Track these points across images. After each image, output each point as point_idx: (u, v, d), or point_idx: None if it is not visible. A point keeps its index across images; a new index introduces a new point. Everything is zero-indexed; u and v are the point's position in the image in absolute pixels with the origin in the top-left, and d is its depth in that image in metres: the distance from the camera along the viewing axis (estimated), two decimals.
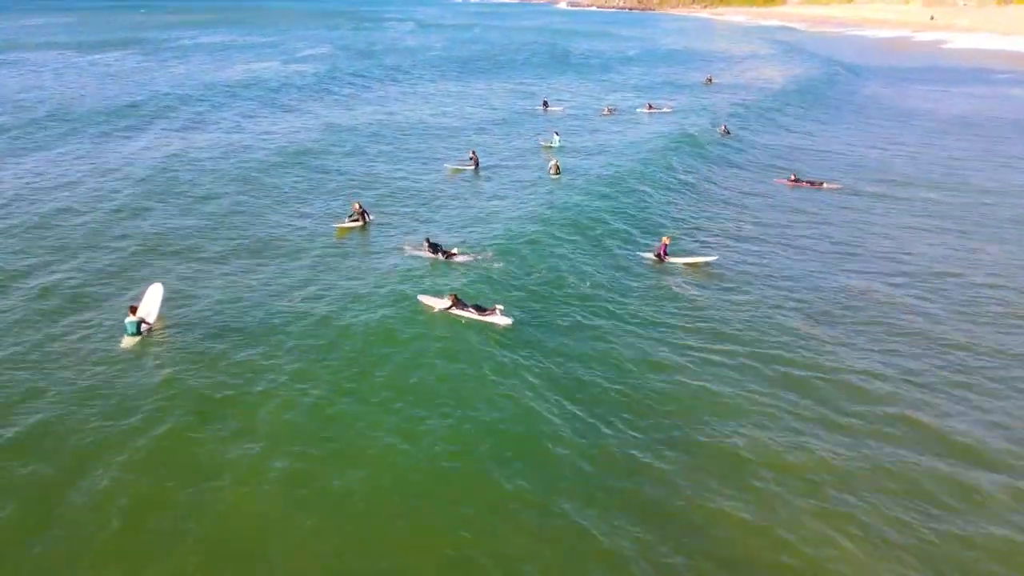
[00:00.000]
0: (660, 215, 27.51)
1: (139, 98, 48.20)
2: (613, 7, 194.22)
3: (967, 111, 52.98)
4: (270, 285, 19.82)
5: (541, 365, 15.95)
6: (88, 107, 44.75)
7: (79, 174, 30.40)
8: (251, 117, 44.02)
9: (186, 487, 11.89)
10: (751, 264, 22.94)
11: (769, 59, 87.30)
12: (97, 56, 70.48)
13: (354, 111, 47.25)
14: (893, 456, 13.35)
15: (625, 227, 25.75)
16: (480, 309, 17.80)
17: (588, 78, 68.37)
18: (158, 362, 15.58)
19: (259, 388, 14.62)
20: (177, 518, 11.30)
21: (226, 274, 20.58)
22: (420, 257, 22.04)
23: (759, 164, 36.31)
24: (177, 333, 16.88)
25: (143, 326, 16.28)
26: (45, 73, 59.01)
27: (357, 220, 25.12)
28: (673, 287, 20.92)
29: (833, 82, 66.36)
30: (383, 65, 71.04)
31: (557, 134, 39.45)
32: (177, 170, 31.23)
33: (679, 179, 32.38)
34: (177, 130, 39.92)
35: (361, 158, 35.31)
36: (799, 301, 20.04)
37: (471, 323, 17.43)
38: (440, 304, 18.08)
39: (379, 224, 25.50)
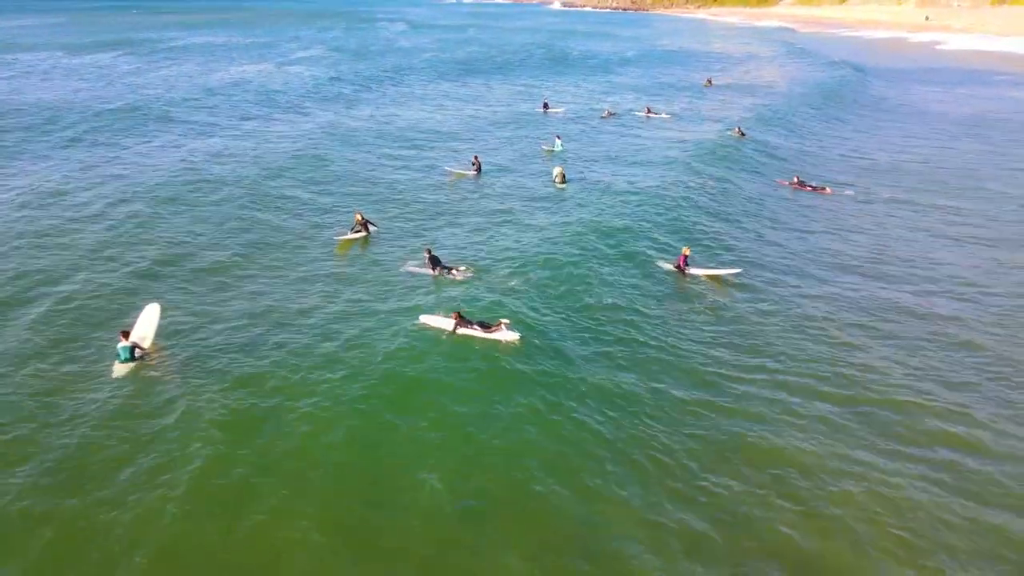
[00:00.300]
0: (674, 224, 26.51)
1: (130, 103, 46.90)
2: (607, 7, 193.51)
3: (971, 113, 52.45)
4: (270, 304, 18.80)
5: (555, 391, 15.02)
6: (78, 113, 43.43)
7: (68, 185, 29.08)
8: (244, 123, 42.79)
9: (215, 524, 11.19)
10: (773, 275, 22.13)
11: (768, 60, 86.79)
12: (87, 58, 69.03)
13: (350, 115, 46.23)
14: (950, 486, 12.68)
15: (639, 238, 24.75)
16: (484, 326, 16.93)
17: (586, 79, 67.68)
18: (153, 391, 14.54)
19: (264, 418, 13.66)
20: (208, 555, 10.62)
21: (225, 293, 19.54)
22: (420, 274, 21.01)
23: (770, 168, 35.40)
24: (174, 357, 15.85)
25: (137, 351, 15.23)
26: (33, 76, 57.65)
27: (359, 231, 24.14)
28: (695, 302, 20.04)
29: (835, 83, 65.71)
30: (378, 67, 69.99)
31: (559, 138, 38.63)
32: (170, 182, 29.87)
33: (689, 186, 31.45)
34: (168, 137, 38.61)
35: (361, 164, 34.28)
36: (829, 315, 19.29)
37: (475, 341, 16.60)
38: (443, 323, 17.19)
39: (381, 235, 24.54)
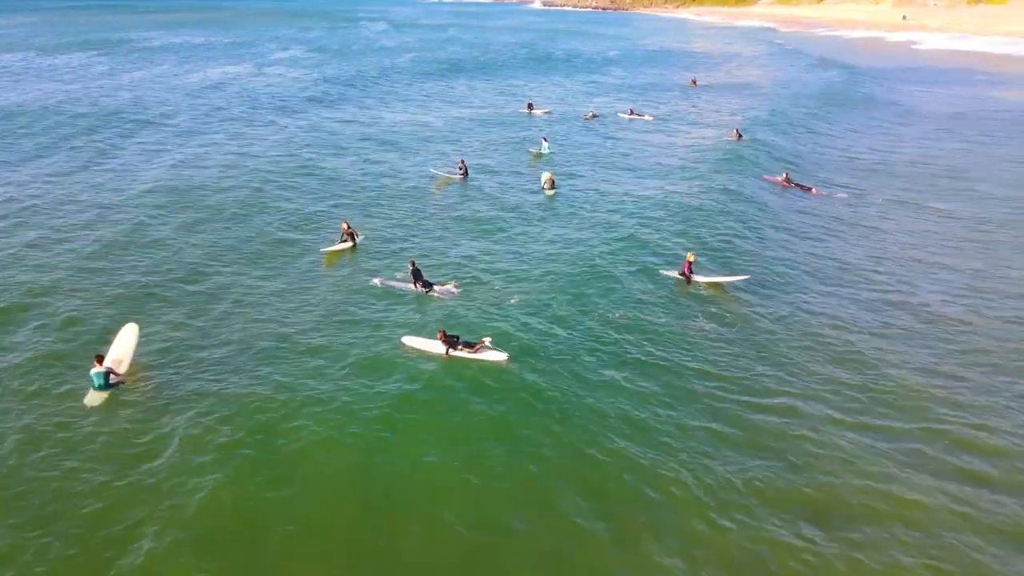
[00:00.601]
0: (672, 230, 25.74)
1: (104, 107, 45.59)
2: (587, 7, 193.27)
3: (953, 112, 52.56)
4: (255, 324, 17.90)
5: (557, 415, 14.28)
6: (52, 118, 42.13)
7: (40, 197, 27.90)
8: (222, 129, 41.46)
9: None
10: (779, 280, 21.55)
11: (751, 59, 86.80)
12: (60, 59, 67.37)
13: (332, 119, 45.23)
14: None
15: (637, 246, 24.00)
16: (469, 345, 16.13)
17: (570, 79, 67.16)
18: (129, 423, 13.57)
19: (252, 455, 12.81)
20: None
21: (207, 311, 18.54)
22: (400, 288, 20.03)
23: (767, 169, 34.76)
24: (152, 383, 14.91)
25: (112, 377, 14.28)
26: (2, 79, 56.00)
27: (346, 241, 23.35)
28: (703, 313, 19.28)
29: (821, 83, 65.69)
30: (360, 68, 68.82)
31: (546, 140, 38.02)
32: (146, 193, 28.55)
33: (683, 190, 30.87)
34: (144, 145, 37.20)
35: (344, 169, 33.36)
36: (843, 322, 18.83)
37: (463, 363, 15.82)
38: (428, 346, 16.31)
39: (368, 244, 23.72)
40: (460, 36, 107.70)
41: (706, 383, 15.69)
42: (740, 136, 40.48)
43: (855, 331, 18.44)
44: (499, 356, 15.84)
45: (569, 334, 17.54)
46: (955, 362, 17.06)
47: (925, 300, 20.54)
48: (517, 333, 17.30)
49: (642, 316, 18.83)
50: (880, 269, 22.95)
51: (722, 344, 17.54)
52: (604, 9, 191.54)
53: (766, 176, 33.13)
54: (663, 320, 18.73)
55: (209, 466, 12.33)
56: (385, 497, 12.04)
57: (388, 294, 19.89)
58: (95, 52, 73.60)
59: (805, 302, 20.12)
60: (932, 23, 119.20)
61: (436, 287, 19.85)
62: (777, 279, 21.76)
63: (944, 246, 25.44)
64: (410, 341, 16.63)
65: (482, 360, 15.81)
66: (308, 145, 37.60)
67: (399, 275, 20.77)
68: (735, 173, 33.83)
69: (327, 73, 64.14)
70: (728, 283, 20.90)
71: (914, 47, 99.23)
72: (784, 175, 32.51)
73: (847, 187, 32.36)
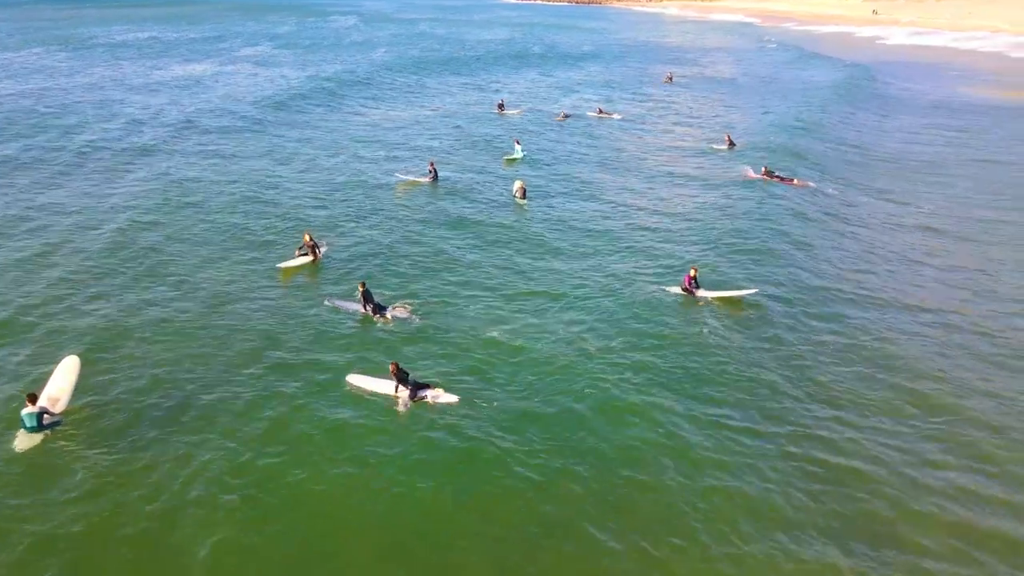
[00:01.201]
0: (655, 241, 24.73)
1: (51, 109, 43.57)
2: (562, 1, 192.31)
3: (926, 106, 52.68)
4: (203, 352, 16.74)
5: (536, 467, 13.07)
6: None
7: None
8: (178, 131, 39.58)
9: None
10: (788, 290, 20.70)
11: (725, 53, 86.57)
12: (10, 56, 65.03)
13: (294, 119, 43.74)
14: None
15: (624, 261, 22.83)
16: (420, 386, 14.89)
17: (543, 76, 66.16)
18: (63, 470, 12.48)
19: (189, 511, 11.86)
20: None
21: (154, 340, 17.24)
22: (350, 311, 18.79)
23: (742, 162, 34.25)
24: (91, 424, 13.76)
25: (47, 418, 13.18)
26: None
27: (307, 254, 22.28)
28: (707, 332, 18.08)
29: (795, 76, 65.69)
30: (327, 65, 67.19)
31: (518, 143, 37.10)
32: (91, 206, 26.78)
33: (664, 196, 30.01)
34: (93, 152, 34.95)
35: (307, 173, 32.18)
36: (870, 336, 18.17)
37: (416, 406, 14.73)
38: (377, 385, 15.13)
39: (329, 257, 22.63)
40: (432, 31, 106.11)
41: (709, 421, 14.61)
42: (732, 144, 38.46)
43: (880, 338, 17.95)
44: (449, 398, 14.65)
45: (560, 369, 16.20)
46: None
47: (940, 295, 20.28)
48: (477, 365, 16.27)
49: (643, 342, 17.53)
50: (876, 268, 22.67)
51: (727, 366, 16.55)
52: (578, 3, 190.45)
53: (748, 172, 32.64)
54: (672, 344, 17.46)
55: (140, 522, 11.47)
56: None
57: (341, 318, 18.64)
58: (49, 48, 71.20)
59: (817, 313, 19.47)
60: (903, 18, 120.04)
61: (388, 311, 18.63)
62: (783, 285, 20.95)
63: (936, 238, 25.33)
64: (356, 380, 15.40)
65: (434, 402, 14.67)
66: (267, 149, 36.27)
67: (342, 298, 19.46)
68: (715, 174, 33.26)
69: (293, 72, 62.42)
70: (737, 297, 19.80)
71: (879, 42, 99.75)
72: (763, 169, 32.20)
73: (837, 181, 32.18)
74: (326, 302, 19.28)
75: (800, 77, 67.61)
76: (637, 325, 18.52)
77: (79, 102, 45.79)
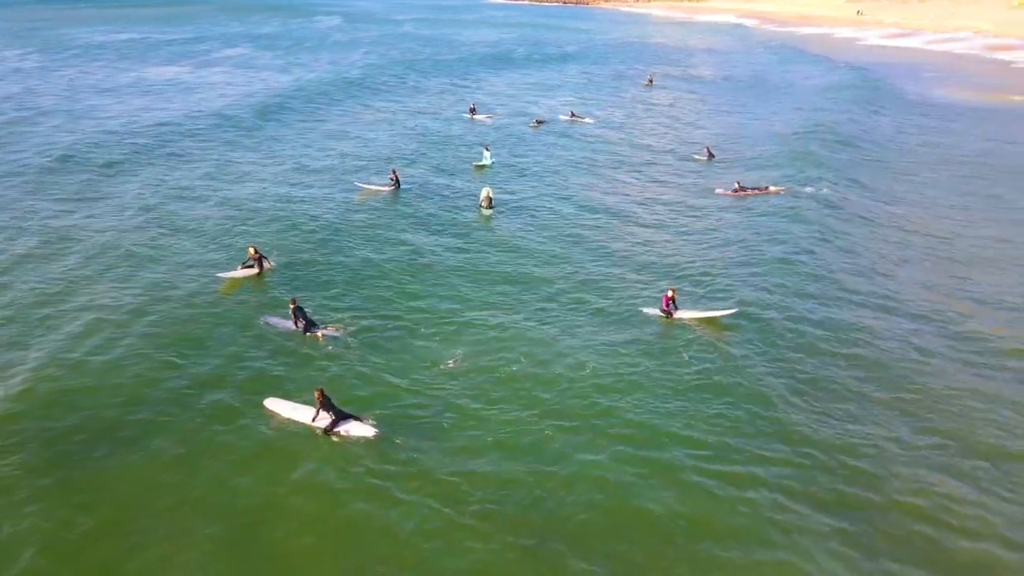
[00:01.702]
0: (634, 260, 23.84)
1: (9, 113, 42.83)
2: (548, 1, 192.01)
3: (905, 106, 52.67)
4: (127, 371, 16.23)
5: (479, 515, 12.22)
6: None
7: None
8: (139, 135, 39.04)
9: None
10: (766, 306, 19.98)
11: (709, 55, 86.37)
12: None
13: (257, 122, 43.00)
14: None
15: (597, 281, 21.87)
16: (343, 415, 14.20)
17: (524, 78, 65.66)
18: None
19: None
20: None
21: (80, 360, 16.62)
22: (284, 328, 18.13)
23: (717, 179, 33.70)
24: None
25: None
26: None
27: (252, 267, 21.86)
28: (688, 359, 17.23)
29: (781, 80, 65.58)
30: (302, 67, 66.59)
31: (487, 149, 36.65)
32: (23, 218, 26.14)
33: (640, 210, 29.28)
34: (34, 156, 34.34)
35: (263, 182, 31.55)
36: (847, 352, 17.64)
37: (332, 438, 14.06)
38: (296, 413, 14.48)
39: (278, 269, 22.12)
40: (416, 31, 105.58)
41: (687, 454, 13.71)
42: (712, 156, 37.71)
43: (860, 358, 17.44)
44: (365, 431, 13.95)
45: (513, 401, 15.34)
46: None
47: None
48: (420, 398, 15.50)
49: (616, 370, 16.59)
50: (857, 277, 22.40)
51: (709, 395, 15.64)
52: (565, 3, 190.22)
53: (719, 190, 31.93)
54: (643, 369, 16.70)
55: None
56: None
57: (276, 335, 18.08)
58: (18, 50, 70.41)
59: (798, 332, 18.71)
60: (887, 19, 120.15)
61: (320, 329, 18.03)
62: (757, 309, 19.92)
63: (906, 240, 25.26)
64: (274, 406, 14.79)
65: (345, 434, 14.00)
66: (223, 158, 35.62)
67: (276, 315, 18.84)
68: (692, 188, 32.73)
69: (264, 76, 61.81)
70: (715, 317, 19.11)
71: (858, 43, 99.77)
72: (736, 184, 31.65)
73: (782, 183, 31.89)
74: (261, 320, 18.78)
75: (785, 79, 67.45)
76: (608, 352, 17.51)
77: (43, 109, 45.17)
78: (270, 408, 14.86)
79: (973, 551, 11.88)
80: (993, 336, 19.19)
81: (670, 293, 19.53)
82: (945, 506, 12.84)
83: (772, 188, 31.42)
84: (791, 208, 29.29)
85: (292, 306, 18.16)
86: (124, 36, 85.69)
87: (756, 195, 31.00)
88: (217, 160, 34.78)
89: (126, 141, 37.20)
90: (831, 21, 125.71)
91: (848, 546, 11.81)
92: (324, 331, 18.01)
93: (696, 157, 38.11)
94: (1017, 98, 58.66)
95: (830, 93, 58.41)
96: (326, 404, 14.17)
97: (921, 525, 12.39)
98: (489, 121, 45.93)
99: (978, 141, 43.49)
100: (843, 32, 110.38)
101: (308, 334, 17.89)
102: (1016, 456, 14.30)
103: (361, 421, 14.23)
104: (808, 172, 34.43)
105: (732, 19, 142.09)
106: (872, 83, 62.19)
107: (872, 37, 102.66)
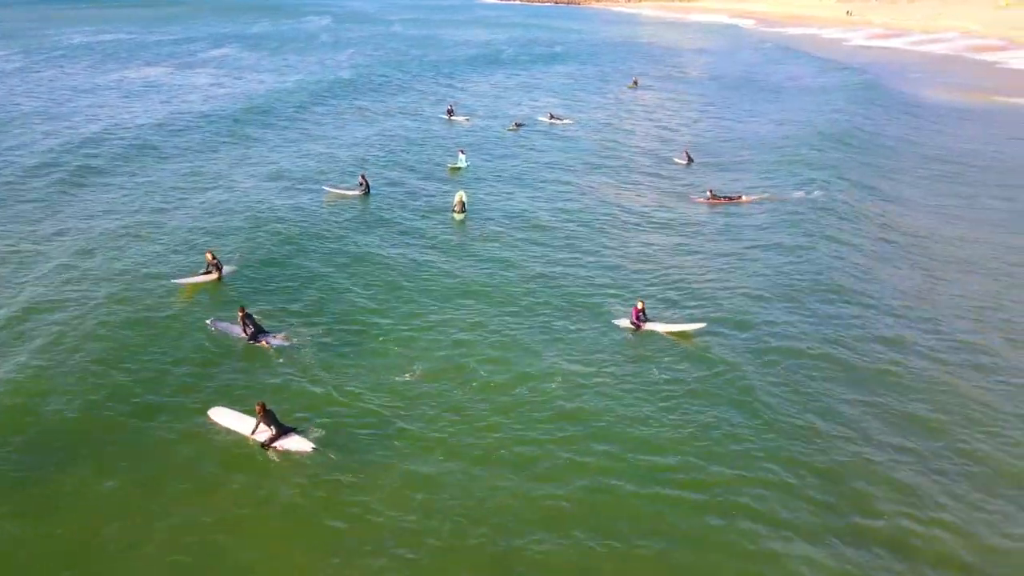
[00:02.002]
0: (607, 270, 23.44)
1: None
2: (540, 1, 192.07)
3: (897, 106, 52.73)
4: (75, 377, 16.19)
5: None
6: None
7: None
8: (111, 137, 38.81)
9: None
10: (737, 318, 19.60)
11: (697, 56, 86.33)
12: None
13: (231, 126, 42.55)
14: None
15: (568, 291, 21.47)
16: (283, 429, 13.97)
17: (509, 78, 65.53)
18: None
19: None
20: None
21: (24, 368, 16.46)
22: (234, 336, 17.98)
23: (694, 187, 33.35)
24: None
25: None
26: None
27: (210, 272, 21.77)
28: (658, 373, 16.90)
29: (768, 82, 65.62)
30: (286, 69, 66.42)
31: (462, 152, 36.57)
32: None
33: (615, 218, 28.97)
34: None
35: (231, 181, 31.43)
36: (821, 366, 17.29)
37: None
38: (238, 424, 14.34)
39: (239, 276, 21.97)
40: (404, 32, 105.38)
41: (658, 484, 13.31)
42: (691, 160, 37.40)
43: (829, 365, 17.29)
44: (303, 446, 13.72)
45: (468, 417, 15.05)
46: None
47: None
48: (366, 413, 15.28)
49: (582, 385, 16.14)
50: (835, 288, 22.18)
51: (679, 411, 15.37)
52: (557, 3, 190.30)
53: (693, 197, 31.72)
54: (609, 385, 16.27)
55: None
56: None
57: (217, 342, 17.95)
58: (11, 50, 70.24)
59: (765, 345, 18.35)
60: (876, 19, 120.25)
61: (268, 337, 17.77)
62: (726, 318, 19.70)
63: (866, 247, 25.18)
64: (218, 416, 14.64)
65: (285, 450, 13.79)
66: (188, 153, 35.42)
67: (226, 321, 18.66)
68: (669, 193, 32.48)
69: (246, 78, 61.61)
70: (685, 331, 18.79)
71: (845, 44, 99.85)
72: (709, 192, 31.40)
73: (757, 192, 31.79)
74: (209, 324, 18.63)
75: (771, 81, 67.46)
76: (574, 367, 17.14)
77: (16, 113, 44.97)
78: (213, 418, 14.74)
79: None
80: (976, 342, 19.22)
81: (639, 305, 19.23)
82: (934, 519, 12.78)
83: (744, 198, 31.12)
84: (769, 215, 29.22)
85: (240, 313, 17.99)
86: (109, 37, 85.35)
87: (728, 203, 30.76)
88: (190, 164, 34.61)
89: (101, 146, 37.00)
90: (821, 21, 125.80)
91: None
92: (272, 340, 17.82)
93: (676, 161, 37.89)
94: (1000, 99, 58.76)
95: (816, 95, 58.50)
96: (267, 417, 13.97)
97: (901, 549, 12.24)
98: (467, 123, 45.78)
99: (962, 142, 43.59)
100: (831, 33, 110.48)
101: (254, 343, 17.71)
102: (984, 458, 14.46)
103: (301, 435, 14.05)
104: (792, 177, 34.40)
105: (724, 19, 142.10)
106: (859, 85, 62.20)
107: (859, 38, 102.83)
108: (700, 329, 18.82)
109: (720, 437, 14.66)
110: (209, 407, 15.06)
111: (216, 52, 75.97)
